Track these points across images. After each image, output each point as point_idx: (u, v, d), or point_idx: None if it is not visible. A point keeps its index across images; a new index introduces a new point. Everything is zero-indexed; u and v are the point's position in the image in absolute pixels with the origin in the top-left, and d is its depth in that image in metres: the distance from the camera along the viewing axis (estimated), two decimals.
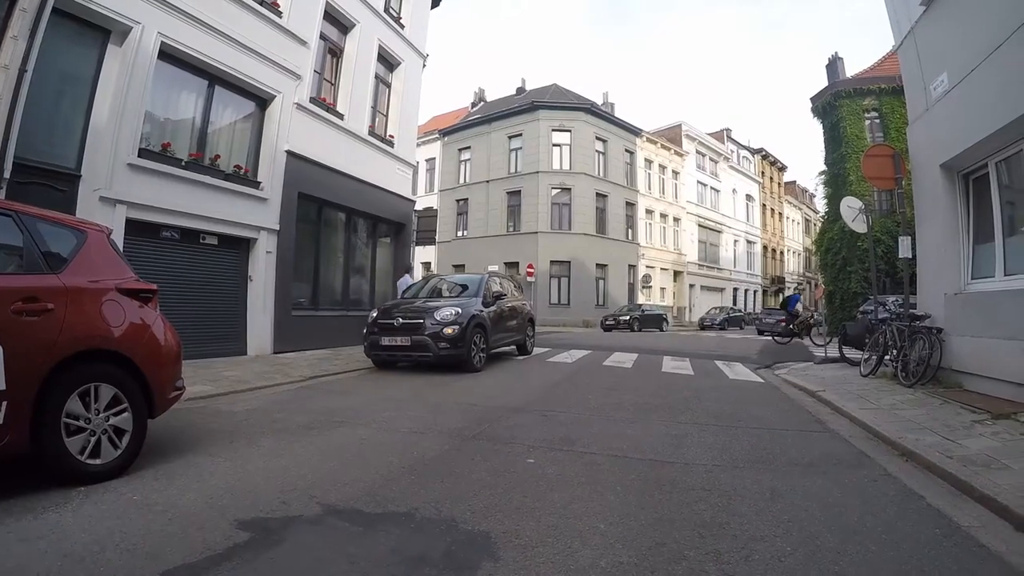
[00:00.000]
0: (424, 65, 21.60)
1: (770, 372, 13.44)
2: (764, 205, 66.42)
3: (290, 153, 14.79)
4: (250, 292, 13.82)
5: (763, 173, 66.99)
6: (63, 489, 4.10)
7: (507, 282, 15.58)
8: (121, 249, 10.59)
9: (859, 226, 14.52)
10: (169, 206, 11.84)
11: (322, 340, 15.19)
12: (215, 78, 13.25)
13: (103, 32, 11.02)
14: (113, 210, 10.76)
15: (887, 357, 11.17)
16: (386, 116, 19.72)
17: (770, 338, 28.44)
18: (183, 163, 12.40)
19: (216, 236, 13.07)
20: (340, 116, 16.90)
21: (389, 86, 19.92)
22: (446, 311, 11.45)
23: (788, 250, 72.99)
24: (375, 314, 12.25)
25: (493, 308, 12.87)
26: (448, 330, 11.12)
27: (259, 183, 14.13)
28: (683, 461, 5.26)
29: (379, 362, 12.11)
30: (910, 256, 11.37)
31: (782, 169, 71.90)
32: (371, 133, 18.37)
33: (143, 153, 11.50)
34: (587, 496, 4.21)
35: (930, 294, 10.81)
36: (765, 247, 66.65)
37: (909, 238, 11.47)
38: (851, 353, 13.54)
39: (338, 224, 17.58)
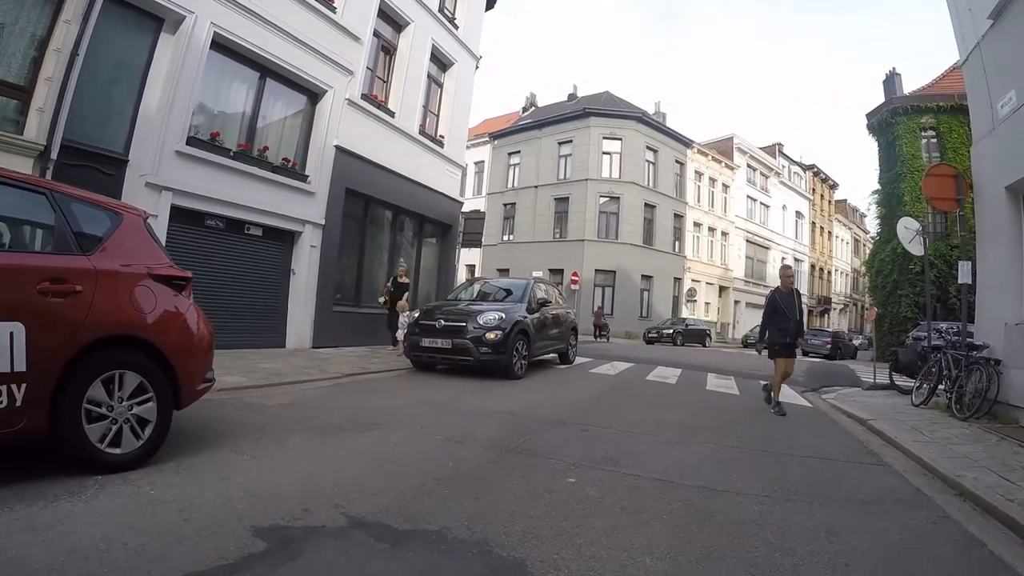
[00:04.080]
0: (477, 67, 21.48)
1: (817, 396, 13.00)
2: (814, 223, 64.79)
3: (339, 148, 14.70)
4: (292, 285, 13.76)
5: (814, 190, 65.36)
6: (79, 477, 3.96)
7: (552, 289, 15.36)
8: (163, 236, 10.83)
9: (915, 248, 13.91)
10: (215, 195, 11.82)
11: (362, 337, 15.05)
12: (266, 70, 13.23)
13: (156, 20, 11.08)
14: (159, 196, 10.78)
15: (940, 387, 10.64)
16: (437, 116, 19.60)
17: (816, 360, 28.16)
18: (231, 153, 12.37)
19: (261, 227, 13.01)
20: (391, 114, 16.78)
21: (441, 86, 19.80)
22: (490, 315, 11.23)
23: (836, 270, 71.08)
24: (417, 314, 12.14)
25: (537, 315, 12.57)
26: (491, 335, 10.89)
27: (306, 176, 14.06)
28: (733, 489, 4.92)
29: (418, 363, 11.89)
30: (969, 282, 10.94)
31: (833, 187, 70.05)
32: (422, 132, 18.26)
33: (191, 141, 11.51)
34: (631, 524, 3.90)
35: (989, 323, 10.31)
36: (812, 266, 64.67)
37: (969, 263, 10.99)
38: (901, 380, 13.04)
39: (384, 221, 17.52)
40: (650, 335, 35.45)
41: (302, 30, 13.51)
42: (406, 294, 14.19)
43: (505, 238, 45.38)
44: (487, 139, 48.43)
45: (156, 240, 5.03)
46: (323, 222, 14.25)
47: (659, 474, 5.23)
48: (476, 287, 14.46)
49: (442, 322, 11.33)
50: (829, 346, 33.94)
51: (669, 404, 9.75)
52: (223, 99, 12.74)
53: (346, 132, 14.90)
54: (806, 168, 64.55)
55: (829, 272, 69.04)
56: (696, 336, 37.01)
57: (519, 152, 45.73)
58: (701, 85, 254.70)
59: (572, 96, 50.06)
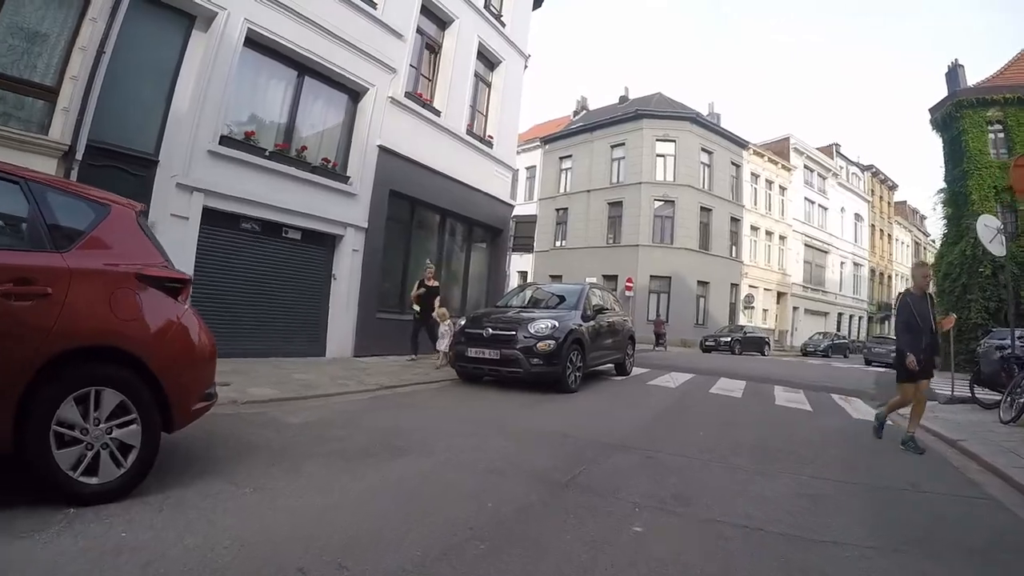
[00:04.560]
0: (526, 66, 20.72)
1: (894, 412, 11.95)
2: (873, 225, 62.87)
3: (382, 148, 14.06)
4: (333, 291, 13.14)
5: (872, 191, 63.35)
6: (51, 507, 3.39)
7: (608, 295, 14.48)
8: (195, 239, 10.30)
9: (997, 248, 13.16)
10: (250, 196, 11.28)
11: (407, 345, 14.17)
12: (304, 68, 12.70)
13: (187, 17, 10.68)
14: (190, 197, 10.32)
15: None
16: (485, 116, 18.90)
17: (880, 369, 26.88)
18: (267, 153, 11.82)
19: (299, 230, 12.45)
20: (437, 113, 16.11)
21: (489, 85, 19.10)
22: (541, 324, 10.40)
23: (896, 274, 68.59)
24: (463, 322, 11.37)
25: (592, 323, 11.72)
26: (542, 345, 10.06)
27: (348, 178, 13.46)
28: (830, 538, 4.05)
29: (464, 374, 11.15)
30: None
31: (892, 188, 68.00)
32: (469, 132, 17.59)
33: (225, 141, 11.00)
34: None
35: None
36: (872, 270, 63.08)
37: None
38: (983, 393, 12.00)
39: (431, 225, 16.83)
40: (707, 343, 34.28)
41: (341, 26, 12.96)
42: (438, 298, 13.30)
43: (558, 244, 44.68)
44: (538, 144, 47.86)
45: (150, 236, 4.34)
46: (366, 225, 13.63)
47: (741, 517, 4.35)
48: (527, 293, 13.73)
49: (490, 331, 10.53)
50: (894, 355, 31.64)
51: (738, 422, 8.85)
52: (259, 98, 12.23)
53: (389, 132, 14.28)
54: (864, 169, 62.67)
55: (889, 276, 67.05)
56: (755, 344, 35.59)
57: (571, 156, 45.10)
58: (755, 85, 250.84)
59: (623, 98, 49.26)
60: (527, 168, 48.07)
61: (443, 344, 12.47)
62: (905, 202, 74.36)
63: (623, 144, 41.31)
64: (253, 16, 11.20)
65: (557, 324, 10.45)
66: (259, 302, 11.54)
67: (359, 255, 13.50)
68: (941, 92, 34.17)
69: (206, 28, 10.71)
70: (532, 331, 10.25)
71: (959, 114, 29.94)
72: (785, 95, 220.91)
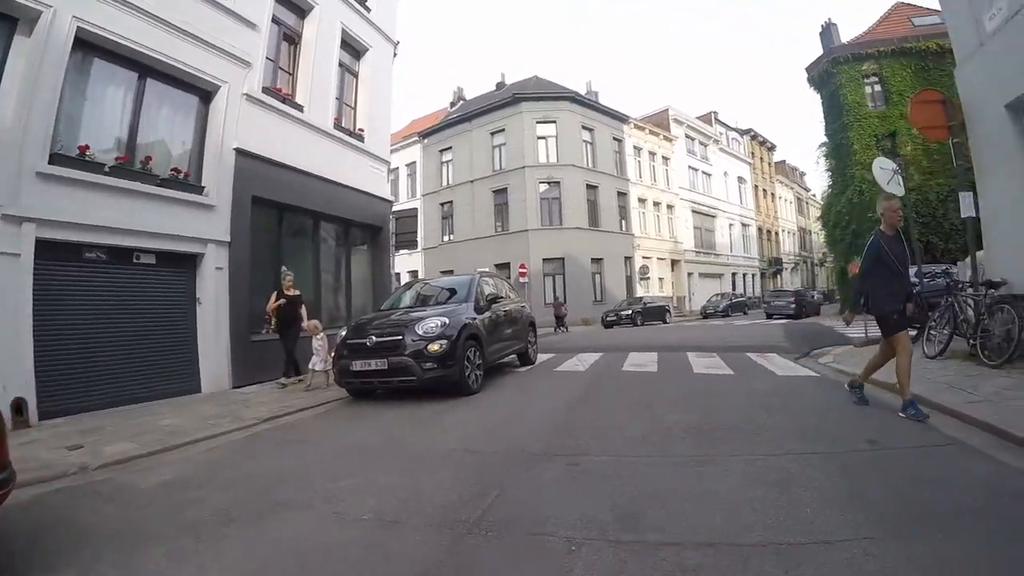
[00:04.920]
0: (395, 54, 19.53)
1: (814, 362, 11.83)
2: (756, 186, 65.10)
3: (240, 151, 12.68)
4: (200, 317, 11.70)
5: (753, 154, 65.77)
6: None
7: (501, 282, 13.56)
8: (29, 278, 8.88)
9: (895, 187, 13.11)
10: (92, 221, 9.75)
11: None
12: (146, 68, 11.16)
13: (7, 20, 9.06)
14: (19, 230, 8.74)
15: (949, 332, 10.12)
16: (354, 108, 17.61)
17: (781, 321, 28.50)
18: (106, 168, 10.21)
19: (153, 254, 10.98)
20: (299, 108, 14.79)
21: (356, 75, 17.81)
22: (430, 323, 9.35)
23: (783, 230, 71.75)
24: (344, 332, 10.18)
25: (488, 314, 10.81)
26: (434, 346, 9.01)
27: (203, 188, 12.02)
28: (819, 537, 3.35)
29: (354, 391, 10.01)
30: (974, 214, 10.03)
31: (771, 149, 70.59)
32: (337, 127, 16.31)
33: (55, 159, 9.36)
34: None
35: (1004, 256, 9.53)
36: (760, 229, 65.16)
37: (971, 193, 10.11)
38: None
39: (304, 231, 15.49)
40: (609, 318, 34.13)
41: (185, 19, 11.50)
42: (303, 308, 11.97)
43: (445, 239, 43.96)
44: (416, 139, 47.04)
45: None
46: (228, 239, 12.23)
47: (705, 532, 3.51)
48: (414, 291, 12.60)
49: (374, 338, 9.34)
50: (793, 305, 33.63)
51: (663, 400, 8.13)
52: (95, 107, 10.57)
53: (247, 133, 12.90)
54: (743, 133, 65.01)
55: (776, 233, 69.72)
56: (656, 314, 35.72)
57: (450, 148, 44.33)
58: (631, 62, 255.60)
59: (500, 85, 48.69)
60: (407, 165, 47.47)
61: (317, 362, 11.30)
62: (784, 161, 77.49)
63: (503, 130, 40.78)
64: (83, 13, 9.63)
65: (448, 321, 9.46)
66: (115, 342, 10.10)
67: (224, 273, 12.11)
68: (815, 52, 35.82)
69: (29, 32, 9.13)
70: (421, 332, 9.22)
71: (835, 70, 31.09)
72: (661, 68, 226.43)
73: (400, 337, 9.26)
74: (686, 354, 13.73)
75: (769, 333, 19.74)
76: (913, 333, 11.62)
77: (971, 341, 9.35)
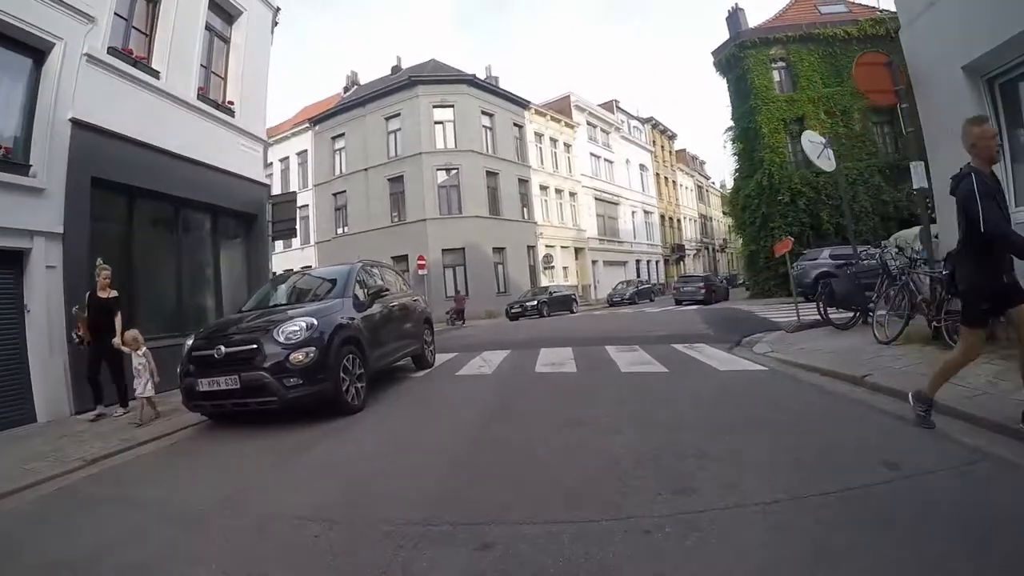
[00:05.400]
0: (276, 22, 17.28)
1: (750, 352, 10.54)
2: (658, 174, 65.48)
3: (77, 123, 10.35)
4: (29, 328, 9.39)
5: (654, 142, 66.04)
6: None
7: (390, 272, 11.70)
8: None
9: (824, 163, 13.13)
10: None
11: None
12: None
13: None
14: None
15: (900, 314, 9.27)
16: (224, 79, 15.25)
17: (692, 307, 27.75)
18: None
19: None
20: (155, 74, 12.48)
21: (228, 41, 15.45)
22: (293, 326, 7.31)
23: (685, 217, 72.54)
24: (190, 342, 7.95)
25: (372, 311, 8.99)
26: (298, 356, 7.04)
27: (28, 167, 9.70)
28: None
29: (209, 414, 7.97)
30: (926, 186, 9.19)
31: (672, 137, 71.46)
32: (202, 98, 13.95)
33: None
34: None
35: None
36: (662, 216, 65.53)
37: (922, 164, 9.27)
38: (836, 315, 11.65)
39: (162, 221, 13.12)
40: (513, 310, 32.64)
41: None
42: (119, 315, 9.15)
43: (340, 231, 41.75)
44: (307, 125, 44.61)
45: None
46: (62, 230, 9.97)
47: None
48: (288, 285, 10.49)
49: (223, 349, 7.26)
50: (703, 291, 32.64)
51: (594, 412, 6.46)
52: None
53: (88, 102, 10.60)
54: (644, 121, 65.27)
55: (678, 220, 70.46)
56: (562, 303, 34.45)
57: (343, 135, 42.07)
58: (531, 48, 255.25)
59: (396, 68, 46.60)
60: (298, 154, 45.34)
61: (140, 386, 8.65)
62: (684, 150, 78.97)
63: (398, 115, 38.88)
64: None
65: (316, 322, 7.49)
66: None
67: (57, 273, 9.81)
68: (713, 41, 37.20)
69: None
70: (282, 339, 7.19)
71: (743, 54, 31.40)
72: (562, 55, 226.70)
73: (255, 346, 7.21)
74: (605, 348, 12.17)
75: (688, 321, 18.43)
76: (848, 315, 11.45)
77: (933, 323, 8.49)
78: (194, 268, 13.89)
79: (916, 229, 11.47)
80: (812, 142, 13.03)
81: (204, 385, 7.20)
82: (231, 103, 15.01)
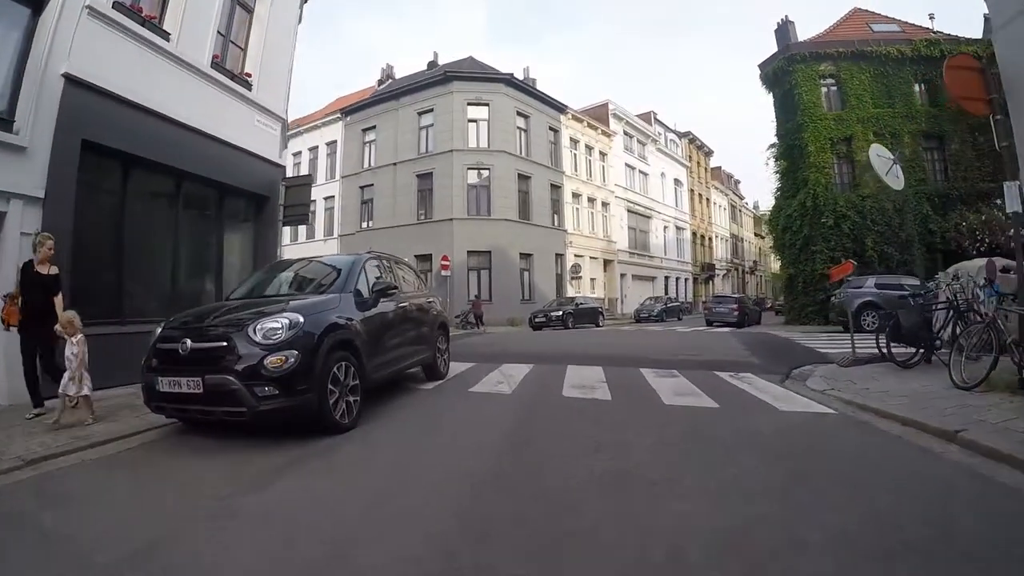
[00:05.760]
0: None
1: (804, 387, 9.16)
2: (692, 190, 64.32)
3: (71, 79, 9.26)
4: None
5: (690, 157, 64.95)
6: None
7: (403, 267, 10.14)
8: None
9: (893, 180, 12.30)
10: None
11: (136, 370, 9.05)
12: None
13: None
14: None
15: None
16: (244, 50, 14.12)
17: (725, 330, 26.80)
18: None
19: None
20: (165, 36, 11.34)
21: (251, 11, 14.26)
22: (273, 322, 5.96)
23: (716, 236, 71.24)
24: (159, 330, 6.57)
25: (377, 311, 7.65)
26: (275, 359, 5.69)
27: (11, 123, 8.61)
28: None
29: (175, 417, 6.61)
30: (1020, 210, 8.04)
31: (708, 154, 70.41)
32: (216, 66, 12.76)
33: None
34: None
35: None
36: (694, 233, 64.32)
37: (1017, 184, 8.13)
38: (900, 350, 10.38)
39: (160, 194, 11.92)
40: (537, 319, 31.41)
41: None
42: (58, 296, 7.58)
43: (364, 225, 40.62)
44: (339, 116, 43.70)
45: None
46: (42, 194, 8.84)
47: None
48: (284, 274, 8.90)
49: (189, 343, 5.93)
50: (736, 313, 31.52)
51: (638, 465, 4.99)
52: None
53: (86, 57, 9.50)
54: (681, 135, 64.25)
55: (710, 239, 69.15)
56: (588, 316, 33.20)
57: (375, 127, 41.06)
58: (570, 56, 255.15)
59: (433, 64, 45.63)
60: (328, 144, 44.49)
61: (68, 383, 6.83)
62: (720, 167, 77.72)
63: (431, 110, 37.73)
64: None
65: (303, 320, 6.10)
66: None
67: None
68: (752, 59, 36.36)
69: None
70: (259, 337, 5.82)
71: (791, 68, 30.28)
72: (599, 65, 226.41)
73: (225, 344, 5.87)
74: (640, 371, 10.84)
75: (725, 345, 16.99)
76: (909, 351, 10.23)
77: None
78: (193, 249, 12.72)
79: (979, 261, 11.13)
80: (880, 156, 12.02)
81: (165, 385, 5.93)
82: (248, 75, 13.87)
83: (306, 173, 35.78)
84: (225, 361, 5.75)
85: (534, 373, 10.92)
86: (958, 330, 9.20)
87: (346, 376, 6.44)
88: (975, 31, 29.50)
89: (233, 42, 13.75)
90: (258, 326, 5.89)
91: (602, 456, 5.24)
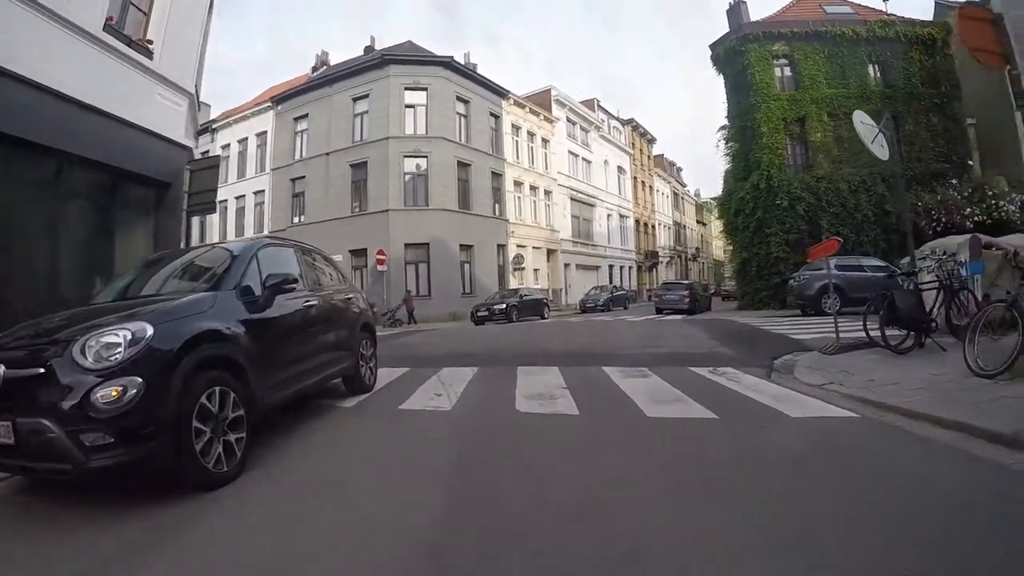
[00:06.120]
0: None
1: (795, 379, 8.21)
2: (635, 178, 64.51)
3: None
4: None
5: (633, 145, 64.92)
6: None
7: (313, 257, 7.98)
8: None
9: (878, 149, 11.58)
10: None
11: None
12: None
13: None
14: None
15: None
16: (146, 14, 12.20)
17: (677, 317, 26.09)
18: None
19: None
20: None
21: None
22: (110, 336, 4.07)
23: (659, 224, 71.61)
24: None
25: (275, 312, 5.81)
26: (109, 392, 3.83)
27: None
28: None
29: None
30: None
31: (651, 141, 70.96)
32: (109, 29, 10.83)
33: None
34: None
35: None
36: (638, 221, 64.40)
37: None
38: (891, 332, 9.58)
39: (34, 180, 9.90)
40: (480, 313, 30.08)
41: None
42: None
43: (295, 220, 38.81)
44: (269, 105, 41.86)
45: None
46: None
47: None
48: (164, 270, 6.72)
49: (2, 371, 3.92)
50: (687, 300, 30.75)
51: (641, 526, 3.42)
52: None
53: None
54: (624, 122, 64.17)
55: (653, 227, 69.55)
56: (533, 308, 31.96)
57: (307, 116, 39.42)
58: (512, 42, 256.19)
59: (369, 49, 44.20)
60: (257, 135, 42.70)
61: None
62: (663, 155, 78.81)
63: (367, 96, 36.38)
64: None
65: (151, 331, 4.19)
66: None
67: None
68: (696, 45, 36.23)
69: None
70: (89, 359, 3.95)
71: (744, 48, 30.21)
72: (544, 52, 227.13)
73: (43, 371, 3.92)
74: (604, 371, 9.40)
75: (687, 335, 15.63)
76: (902, 335, 9.47)
77: None
78: (77, 245, 10.82)
79: (957, 238, 10.72)
80: (864, 123, 11.23)
81: None
82: (149, 41, 12.04)
83: (249, 173, 34.10)
84: (41, 397, 3.91)
85: (479, 380, 9.31)
86: (952, 311, 9.26)
87: (222, 407, 4.58)
88: (927, 14, 29.22)
89: (134, 4, 11.87)
90: (87, 344, 4.00)
91: (587, 523, 3.55)
